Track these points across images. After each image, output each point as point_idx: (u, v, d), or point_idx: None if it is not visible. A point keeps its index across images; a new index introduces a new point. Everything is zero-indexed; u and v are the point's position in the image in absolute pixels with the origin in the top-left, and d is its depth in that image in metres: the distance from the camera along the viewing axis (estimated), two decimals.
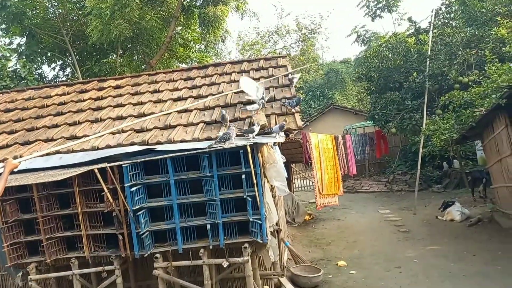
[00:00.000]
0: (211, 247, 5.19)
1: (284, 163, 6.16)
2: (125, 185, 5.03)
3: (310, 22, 25.10)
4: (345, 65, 30.11)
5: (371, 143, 15.60)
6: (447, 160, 14.57)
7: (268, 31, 25.07)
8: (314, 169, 10.51)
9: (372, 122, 14.71)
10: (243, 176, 5.07)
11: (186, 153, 4.94)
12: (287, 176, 6.13)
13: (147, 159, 5.03)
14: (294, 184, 16.04)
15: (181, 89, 7.09)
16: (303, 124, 5.94)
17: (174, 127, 5.74)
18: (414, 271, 6.40)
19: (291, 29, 24.97)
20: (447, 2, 13.63)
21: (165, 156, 5.01)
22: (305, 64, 23.97)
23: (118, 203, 5.12)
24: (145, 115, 6.22)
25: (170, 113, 6.08)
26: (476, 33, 10.88)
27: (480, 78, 9.15)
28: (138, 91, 7.33)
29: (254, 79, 7.07)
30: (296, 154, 10.73)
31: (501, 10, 10.80)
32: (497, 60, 8.88)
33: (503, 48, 9.53)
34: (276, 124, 5.45)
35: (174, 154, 4.98)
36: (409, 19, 14.72)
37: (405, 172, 15.95)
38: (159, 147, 5.21)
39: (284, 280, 5.93)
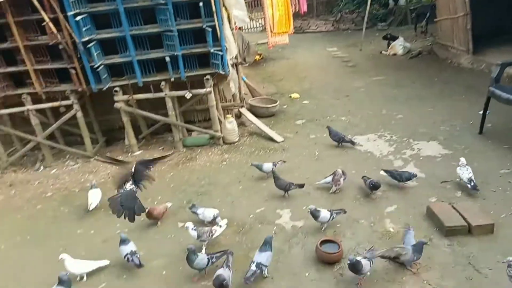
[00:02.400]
0: (172, 79, 5.12)
1: None
2: (68, 13, 4.50)
3: None
4: None
5: None
6: None
7: None
8: (265, 6, 10.00)
9: None
10: (201, 4, 4.71)
11: None
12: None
13: None
14: None
15: None
16: None
17: None
18: (360, 98, 6.97)
19: None
20: None
21: None
22: None
23: (63, 35, 4.65)
24: None
25: None
26: None
27: None
28: None
29: None
30: None
31: None
32: None
33: None
34: None
35: None
36: None
37: (352, 11, 15.82)
38: None
39: (244, 110, 6.20)
